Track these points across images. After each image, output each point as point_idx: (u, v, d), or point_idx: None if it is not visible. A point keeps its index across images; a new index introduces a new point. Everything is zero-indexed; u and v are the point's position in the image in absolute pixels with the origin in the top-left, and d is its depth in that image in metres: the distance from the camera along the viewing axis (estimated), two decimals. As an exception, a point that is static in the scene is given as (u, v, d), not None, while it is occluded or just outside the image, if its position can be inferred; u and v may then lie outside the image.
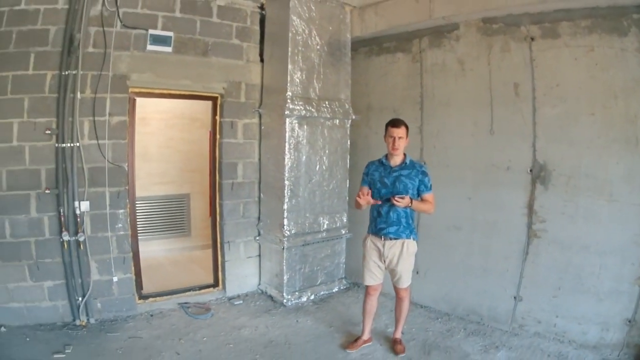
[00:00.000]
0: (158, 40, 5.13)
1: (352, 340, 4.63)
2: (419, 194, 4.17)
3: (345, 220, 6.07)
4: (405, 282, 4.32)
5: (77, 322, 4.87)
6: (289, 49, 5.38)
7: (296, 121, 5.48)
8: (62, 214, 4.74)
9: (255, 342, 4.70)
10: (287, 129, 5.43)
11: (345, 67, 5.96)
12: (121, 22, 4.95)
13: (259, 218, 6.03)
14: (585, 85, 4.34)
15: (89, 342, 4.54)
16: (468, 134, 5.16)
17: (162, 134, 7.57)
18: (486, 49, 4.97)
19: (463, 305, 5.28)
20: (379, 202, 4.14)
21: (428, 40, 5.48)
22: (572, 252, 4.46)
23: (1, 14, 4.52)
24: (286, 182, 5.50)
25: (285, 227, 5.54)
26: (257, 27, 5.85)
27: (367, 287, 4.47)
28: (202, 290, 5.86)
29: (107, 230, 5.01)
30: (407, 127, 4.19)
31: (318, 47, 5.63)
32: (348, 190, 6.03)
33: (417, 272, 5.53)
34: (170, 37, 5.20)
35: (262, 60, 5.90)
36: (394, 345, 4.55)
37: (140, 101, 5.42)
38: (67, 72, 4.68)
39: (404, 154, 4.23)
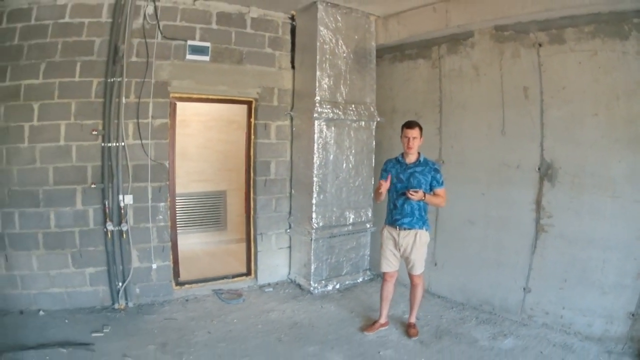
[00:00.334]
0: (196, 50, 5.58)
1: (370, 324, 5.02)
2: (431, 189, 4.57)
3: (370, 215, 6.44)
4: (418, 269, 4.71)
5: (116, 306, 5.29)
6: (317, 57, 5.81)
7: (324, 123, 5.91)
8: (106, 206, 5.19)
9: (281, 323, 5.11)
10: (316, 131, 5.86)
11: (371, 73, 6.33)
12: (162, 34, 5.40)
13: (289, 212, 6.44)
14: (589, 88, 4.57)
15: (127, 323, 4.96)
16: (482, 135, 5.46)
17: (201, 135, 7.93)
18: (498, 55, 5.26)
19: (477, 296, 5.55)
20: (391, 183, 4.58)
21: (446, 47, 5.80)
22: (578, 247, 4.69)
23: (46, 26, 4.99)
24: (315, 179, 5.92)
25: (313, 220, 5.96)
26: (288, 37, 6.27)
27: (384, 273, 4.87)
28: (235, 279, 6.29)
29: (148, 222, 5.47)
30: (420, 128, 4.60)
31: (344, 54, 6.03)
32: (373, 187, 6.24)
33: (435, 265, 5.94)
34: (208, 47, 5.65)
35: (293, 67, 6.31)
36: (408, 329, 4.91)
37: (180, 105, 5.83)
38: (112, 80, 5.13)
39: (418, 153, 4.67)
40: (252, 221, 6.31)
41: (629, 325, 4.36)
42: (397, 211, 4.66)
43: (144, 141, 5.38)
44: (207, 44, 5.67)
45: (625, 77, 4.36)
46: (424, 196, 4.45)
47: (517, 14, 4.92)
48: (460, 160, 5.72)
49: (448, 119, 5.85)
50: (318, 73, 5.84)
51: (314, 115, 5.79)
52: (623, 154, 4.39)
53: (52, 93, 5.05)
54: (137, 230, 5.42)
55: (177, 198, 6.02)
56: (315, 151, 5.90)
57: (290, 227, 6.44)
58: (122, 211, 5.27)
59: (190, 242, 7.56)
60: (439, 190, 4.61)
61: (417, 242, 4.64)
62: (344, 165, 6.17)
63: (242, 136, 6.42)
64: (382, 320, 5.00)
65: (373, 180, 6.37)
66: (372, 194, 6.23)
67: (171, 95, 5.57)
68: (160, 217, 5.57)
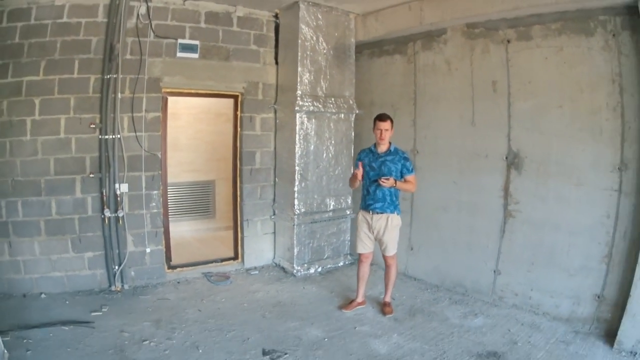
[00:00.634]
0: (186, 48, 5.54)
1: (348, 303, 5.00)
2: (402, 176, 4.57)
3: (350, 202, 6.38)
4: (391, 250, 4.72)
5: (113, 288, 5.28)
6: (299, 53, 5.74)
7: (305, 116, 5.84)
8: (104, 194, 5.19)
9: (266, 302, 5.13)
10: (298, 123, 5.80)
11: (350, 68, 6.25)
12: (154, 32, 5.36)
13: (274, 199, 6.38)
14: (554, 82, 4.52)
15: (123, 303, 4.98)
16: (454, 126, 5.39)
17: (191, 128, 7.82)
18: (469, 50, 5.20)
19: (450, 278, 5.50)
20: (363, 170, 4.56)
21: (421, 43, 5.72)
22: (544, 231, 4.64)
23: (45, 26, 4.94)
24: (297, 168, 5.87)
25: (295, 206, 5.91)
26: (272, 34, 6.17)
27: (359, 255, 4.88)
28: (224, 262, 6.25)
29: (142, 209, 5.46)
30: (392, 121, 4.60)
31: (325, 51, 5.95)
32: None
33: (412, 249, 5.90)
34: (197, 45, 5.61)
35: (277, 63, 6.22)
36: (383, 307, 4.89)
37: (171, 99, 5.80)
38: (108, 76, 5.11)
39: (390, 143, 4.65)
40: (239, 208, 6.27)
41: (595, 306, 4.31)
42: (370, 197, 4.67)
43: (138, 133, 5.37)
44: (196, 42, 5.63)
45: (589, 71, 4.29)
46: (395, 183, 4.45)
47: (488, 12, 4.86)
48: (433, 150, 5.66)
49: (422, 111, 5.78)
50: (299, 69, 5.77)
51: (296, 108, 5.74)
52: (586, 144, 4.33)
53: (52, 89, 5.02)
54: (132, 216, 5.42)
55: (168, 187, 5.99)
56: (297, 142, 5.84)
57: (274, 214, 6.39)
58: (118, 199, 5.26)
59: (181, 229, 7.51)
60: (409, 177, 4.61)
61: (389, 225, 4.64)
62: (324, 155, 6.11)
63: (229, 128, 6.37)
64: (359, 299, 4.99)
65: (352, 169, 6.22)
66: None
67: (163, 90, 5.54)
68: (154, 204, 5.56)
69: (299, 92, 5.78)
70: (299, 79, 5.77)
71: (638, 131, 4.00)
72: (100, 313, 4.65)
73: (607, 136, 4.19)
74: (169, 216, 6.00)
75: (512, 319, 4.63)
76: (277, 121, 6.27)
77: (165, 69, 5.50)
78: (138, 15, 5.25)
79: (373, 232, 4.72)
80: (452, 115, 5.42)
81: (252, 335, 4.30)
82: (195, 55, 5.63)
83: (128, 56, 5.26)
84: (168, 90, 5.61)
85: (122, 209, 5.29)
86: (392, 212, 4.64)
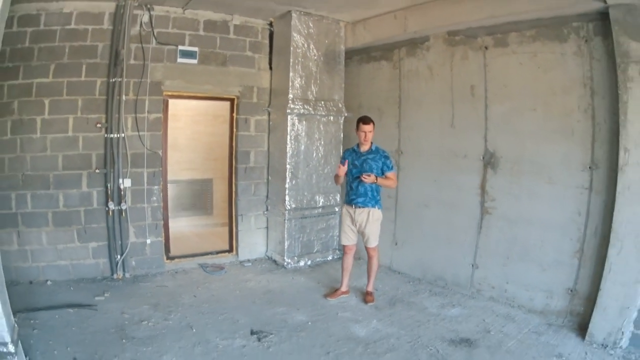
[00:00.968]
0: (186, 54, 5.52)
1: (333, 291, 4.93)
2: (383, 173, 4.50)
3: (338, 199, 6.24)
4: (372, 242, 4.66)
5: (115, 276, 5.26)
6: (291, 60, 5.66)
7: (296, 118, 5.76)
8: (108, 188, 5.18)
9: (256, 290, 5.10)
10: (289, 124, 5.72)
11: (340, 73, 6.15)
12: (156, 39, 5.35)
13: (267, 196, 6.28)
14: (529, 86, 4.42)
15: (124, 289, 4.98)
16: (435, 128, 5.29)
17: (190, 128, 7.73)
18: (450, 57, 5.11)
19: (432, 272, 5.38)
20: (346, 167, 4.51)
21: (405, 50, 5.62)
22: (518, 227, 4.54)
23: (54, 31, 4.93)
24: (288, 167, 5.78)
25: (286, 202, 5.82)
26: (266, 41, 6.09)
27: (343, 246, 4.82)
28: (219, 255, 6.17)
29: (144, 202, 5.43)
30: (374, 123, 4.57)
31: (315, 57, 5.87)
32: (339, 174, 6.20)
33: (396, 244, 5.78)
34: (196, 51, 5.57)
35: (271, 68, 6.12)
36: (365, 296, 4.81)
37: (172, 102, 5.74)
38: (114, 80, 5.11)
39: (371, 142, 4.59)
40: (234, 204, 6.19)
41: (568, 300, 4.19)
42: (353, 192, 4.63)
43: (140, 133, 5.35)
44: (195, 48, 5.60)
45: (562, 75, 4.20)
46: (376, 179, 4.41)
47: (467, 21, 4.79)
48: (416, 150, 5.55)
49: (406, 114, 5.67)
50: (291, 74, 5.69)
51: (287, 111, 5.67)
52: (559, 144, 4.23)
53: (61, 90, 5.01)
54: (134, 209, 5.39)
55: (168, 183, 5.92)
56: (288, 142, 5.76)
57: (267, 209, 6.29)
58: (122, 193, 5.25)
59: (180, 224, 7.38)
60: (390, 173, 4.56)
61: (370, 218, 4.60)
62: (314, 154, 6.00)
63: (226, 129, 6.28)
64: (343, 288, 4.92)
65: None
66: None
67: (164, 93, 5.52)
68: (154, 198, 5.52)
69: (290, 95, 5.69)
70: (290, 84, 5.69)
71: (608, 132, 3.90)
72: (103, 298, 4.66)
73: (579, 137, 4.09)
74: (169, 212, 5.94)
75: (488, 310, 4.52)
76: (270, 123, 6.19)
77: (167, 73, 5.47)
78: (141, 23, 5.26)
79: (356, 225, 4.67)
80: (433, 118, 5.31)
81: (242, 318, 4.31)
82: (195, 61, 5.60)
83: (132, 61, 5.25)
84: (169, 93, 5.57)
85: (125, 202, 5.27)
86: (373, 206, 4.58)
